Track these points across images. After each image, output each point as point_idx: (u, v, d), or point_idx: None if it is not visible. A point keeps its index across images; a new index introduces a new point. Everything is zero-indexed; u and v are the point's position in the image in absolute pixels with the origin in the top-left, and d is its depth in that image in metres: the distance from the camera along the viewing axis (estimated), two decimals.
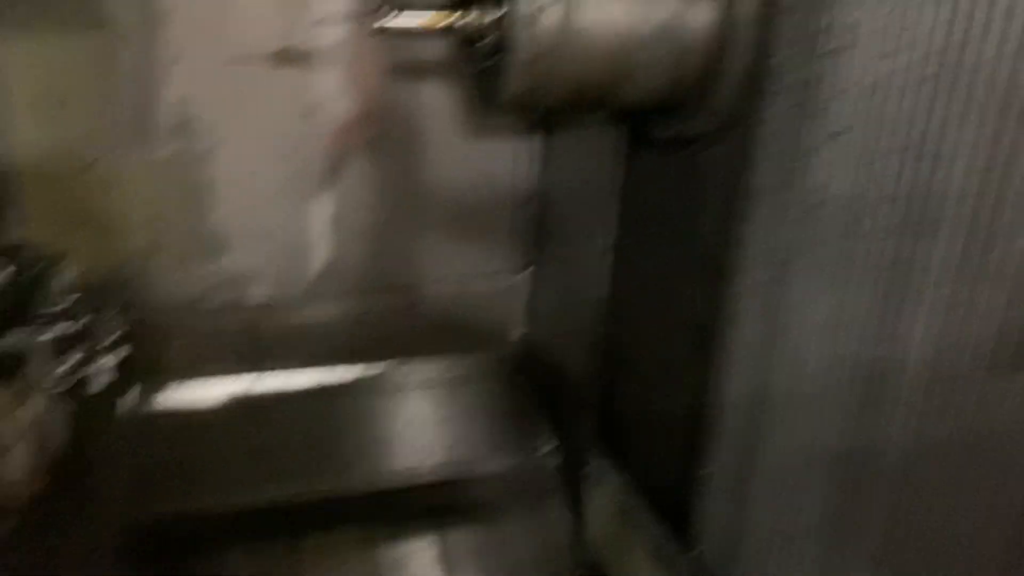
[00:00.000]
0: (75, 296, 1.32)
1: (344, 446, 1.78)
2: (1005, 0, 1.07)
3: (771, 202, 1.17)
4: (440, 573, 1.70)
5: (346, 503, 1.70)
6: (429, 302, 1.92)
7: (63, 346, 1.26)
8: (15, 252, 1.38)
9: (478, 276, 1.94)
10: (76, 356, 1.28)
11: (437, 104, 1.74)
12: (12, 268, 1.30)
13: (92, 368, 1.31)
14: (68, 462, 1.15)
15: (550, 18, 1.09)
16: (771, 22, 1.10)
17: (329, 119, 1.70)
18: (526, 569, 1.74)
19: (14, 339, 1.16)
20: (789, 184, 1.15)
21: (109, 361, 1.33)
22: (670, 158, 1.36)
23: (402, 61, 1.69)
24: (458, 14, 1.19)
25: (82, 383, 1.29)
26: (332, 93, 1.68)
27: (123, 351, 1.36)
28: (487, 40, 1.16)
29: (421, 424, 1.86)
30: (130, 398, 1.40)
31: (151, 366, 1.66)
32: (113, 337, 1.35)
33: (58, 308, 1.28)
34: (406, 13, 1.18)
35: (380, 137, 1.75)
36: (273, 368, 1.84)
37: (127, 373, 1.36)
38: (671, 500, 1.43)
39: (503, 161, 1.83)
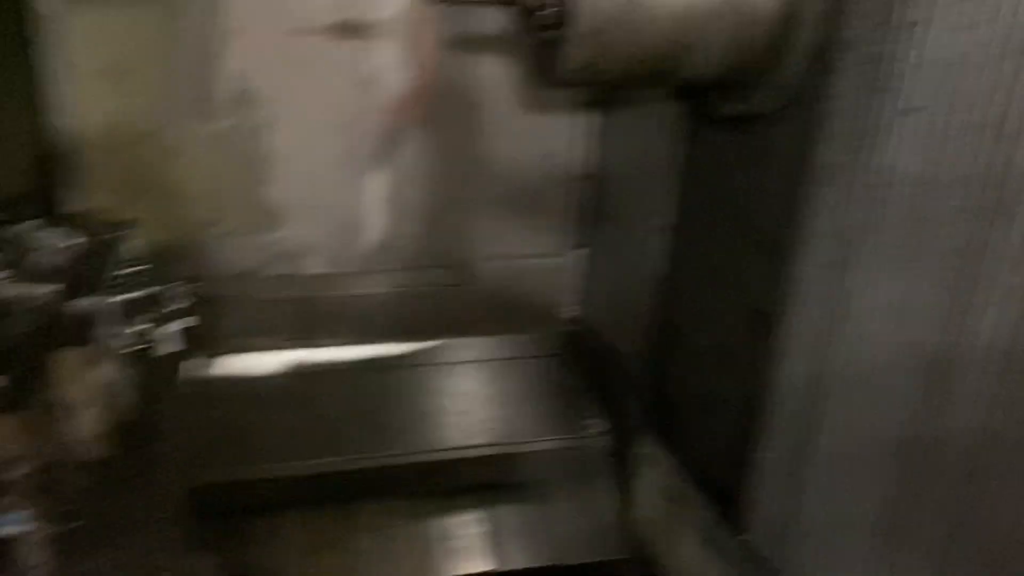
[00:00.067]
0: (143, 264, 1.36)
1: (394, 420, 1.79)
2: None
3: (836, 182, 1.13)
4: (487, 548, 1.71)
5: (396, 474, 1.72)
6: (482, 279, 1.92)
7: (131, 312, 1.29)
8: (85, 220, 1.42)
9: (532, 254, 1.93)
10: (144, 322, 1.32)
11: (495, 78, 1.73)
12: (83, 236, 1.34)
13: (158, 334, 1.35)
14: (134, 425, 1.19)
15: None
16: None
17: (386, 92, 1.71)
18: (572, 548, 1.74)
19: (85, 304, 1.20)
20: (856, 164, 1.11)
21: (175, 328, 1.37)
22: (732, 136, 1.33)
23: (460, 34, 1.68)
24: None
25: (149, 349, 1.33)
26: (389, 66, 1.68)
27: (188, 319, 1.39)
28: (547, 11, 1.14)
29: (471, 401, 1.86)
30: (193, 365, 1.44)
31: (210, 334, 1.70)
32: (179, 305, 1.39)
33: (126, 275, 1.32)
34: None
35: (436, 111, 1.75)
36: (326, 341, 1.86)
37: (191, 340, 1.39)
38: (722, 484, 1.41)
39: (560, 138, 1.81)
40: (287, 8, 1.60)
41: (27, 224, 1.31)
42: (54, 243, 1.29)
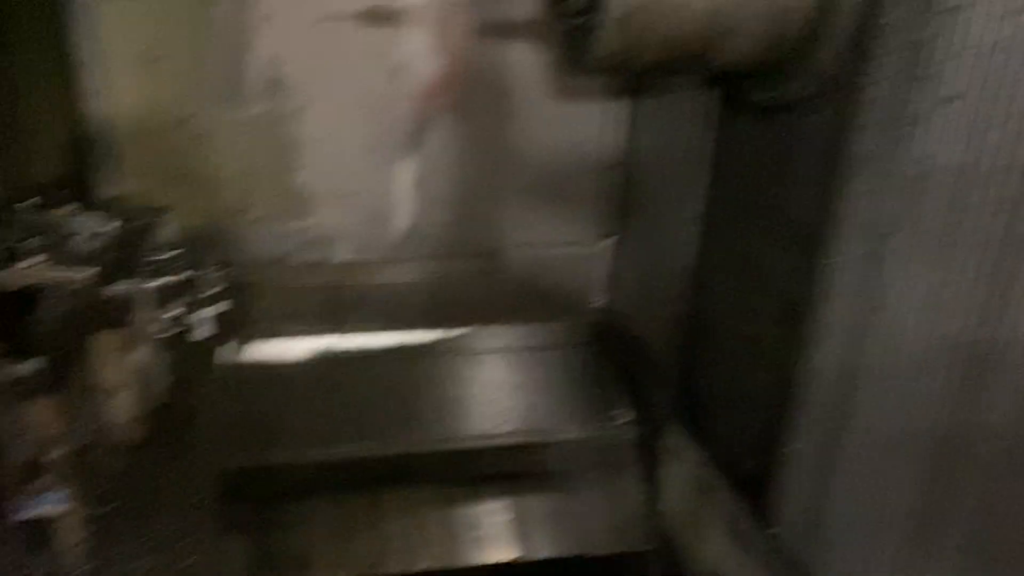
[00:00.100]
0: (178, 249, 1.37)
1: (422, 407, 1.80)
2: None
3: (872, 172, 1.11)
4: (513, 537, 1.71)
5: (423, 462, 1.73)
6: (510, 268, 1.91)
7: (167, 296, 1.31)
8: (121, 205, 1.44)
9: (561, 243, 1.92)
10: (179, 307, 1.34)
11: (525, 65, 1.72)
12: (119, 221, 1.36)
13: (193, 319, 1.36)
14: (168, 409, 1.21)
15: None
16: None
17: (416, 79, 1.71)
18: (599, 539, 1.74)
19: (121, 288, 1.21)
20: (893, 153, 1.09)
21: (209, 313, 1.38)
22: (765, 124, 1.31)
23: (490, 20, 1.67)
24: None
25: (183, 333, 1.35)
26: (419, 53, 1.68)
27: (223, 304, 1.41)
28: None
29: (498, 389, 1.86)
30: (227, 350, 1.46)
31: (243, 320, 1.71)
32: (213, 290, 1.40)
33: (162, 259, 1.33)
34: None
35: (466, 98, 1.74)
36: (354, 328, 1.87)
37: (225, 326, 1.41)
38: (750, 477, 1.40)
39: (590, 125, 1.80)
40: None
41: (64, 209, 1.33)
42: (91, 228, 1.31)
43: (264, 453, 1.65)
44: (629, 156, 1.82)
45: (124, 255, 1.29)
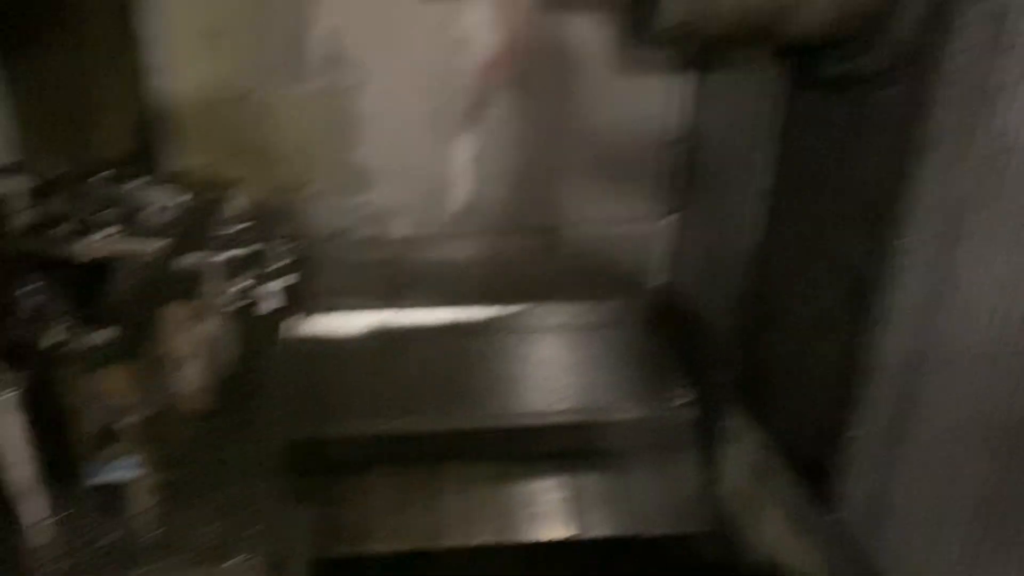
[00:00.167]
0: (246, 222, 1.40)
1: (478, 384, 1.81)
2: None
3: (949, 148, 1.08)
4: (569, 514, 1.72)
5: (481, 438, 1.74)
6: (569, 245, 1.90)
7: (235, 269, 1.33)
8: (190, 179, 1.47)
9: (621, 220, 1.90)
10: (246, 279, 1.36)
11: (588, 38, 1.70)
12: (189, 194, 1.38)
13: (260, 291, 1.39)
14: (235, 379, 1.23)
15: None
16: None
17: (476, 53, 1.70)
18: (654, 519, 1.73)
19: (192, 260, 1.24)
20: (972, 129, 1.05)
21: (276, 285, 1.40)
22: (836, 99, 1.28)
23: None
24: None
25: (251, 305, 1.37)
26: (480, 26, 1.67)
27: (289, 277, 1.43)
28: None
29: (555, 367, 1.86)
30: (292, 323, 1.48)
31: (306, 293, 1.74)
32: (281, 263, 1.42)
33: (230, 232, 1.36)
34: None
35: (527, 72, 1.73)
36: (411, 303, 1.88)
37: (291, 299, 1.43)
38: (812, 460, 1.38)
39: (654, 100, 1.78)
40: None
41: (136, 182, 1.37)
42: (161, 201, 1.34)
43: (325, 425, 1.68)
44: (693, 132, 1.79)
45: (194, 228, 1.32)
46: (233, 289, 1.33)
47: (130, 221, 1.27)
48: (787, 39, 1.17)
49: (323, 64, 1.67)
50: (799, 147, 1.42)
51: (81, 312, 1.04)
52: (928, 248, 1.14)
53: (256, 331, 1.33)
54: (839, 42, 1.18)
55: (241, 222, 1.39)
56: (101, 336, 1.02)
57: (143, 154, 1.63)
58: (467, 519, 1.69)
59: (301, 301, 1.44)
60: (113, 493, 0.99)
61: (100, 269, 1.18)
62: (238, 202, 1.45)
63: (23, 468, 0.94)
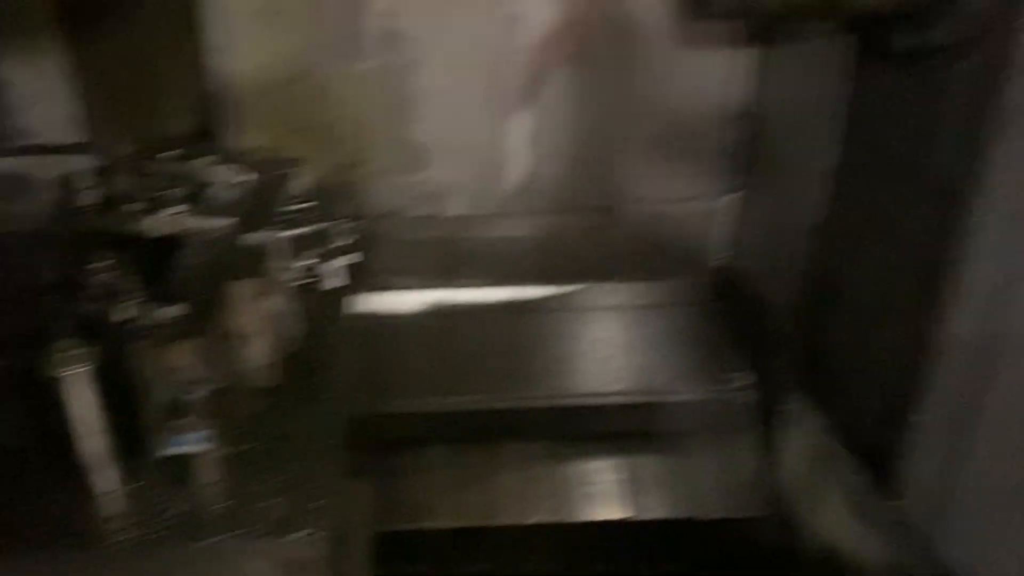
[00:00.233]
0: (310, 200, 1.42)
1: (534, 363, 1.82)
2: None
3: None
4: (625, 495, 1.72)
5: (537, 417, 1.75)
6: (628, 223, 1.89)
7: (299, 247, 1.36)
8: (254, 157, 1.49)
9: (682, 198, 1.88)
10: (310, 257, 1.39)
11: (647, 12, 1.67)
12: (254, 172, 1.41)
13: (324, 269, 1.41)
14: (299, 355, 1.26)
15: None
16: None
17: (533, 29, 1.69)
18: (712, 503, 1.72)
19: (257, 237, 1.27)
20: None
21: (339, 263, 1.43)
22: (904, 73, 1.25)
23: None
24: None
25: (315, 283, 1.40)
26: (537, 2, 1.66)
27: (352, 255, 1.45)
28: None
29: (612, 347, 1.86)
30: (354, 300, 1.51)
31: (368, 271, 1.77)
32: (344, 241, 1.44)
33: (294, 211, 1.38)
34: None
35: (585, 48, 1.71)
36: (467, 282, 1.89)
37: (354, 276, 1.45)
38: (874, 446, 1.36)
39: (715, 76, 1.74)
40: None
41: (202, 160, 1.39)
42: (227, 179, 1.37)
43: (384, 402, 1.71)
44: (756, 108, 1.76)
45: (259, 206, 1.34)
46: (297, 267, 1.35)
47: (197, 200, 1.30)
48: (854, 11, 1.14)
49: (380, 42, 1.68)
50: (866, 123, 1.39)
51: (150, 289, 1.07)
52: (1001, 228, 1.10)
53: (319, 308, 1.36)
54: (909, 14, 1.15)
55: (304, 201, 1.41)
56: (170, 312, 1.05)
57: (206, 134, 1.67)
58: (523, 497, 1.70)
59: (362, 279, 1.46)
60: (181, 465, 1.02)
61: (168, 247, 1.21)
62: (301, 181, 1.47)
63: (95, 440, 0.98)
